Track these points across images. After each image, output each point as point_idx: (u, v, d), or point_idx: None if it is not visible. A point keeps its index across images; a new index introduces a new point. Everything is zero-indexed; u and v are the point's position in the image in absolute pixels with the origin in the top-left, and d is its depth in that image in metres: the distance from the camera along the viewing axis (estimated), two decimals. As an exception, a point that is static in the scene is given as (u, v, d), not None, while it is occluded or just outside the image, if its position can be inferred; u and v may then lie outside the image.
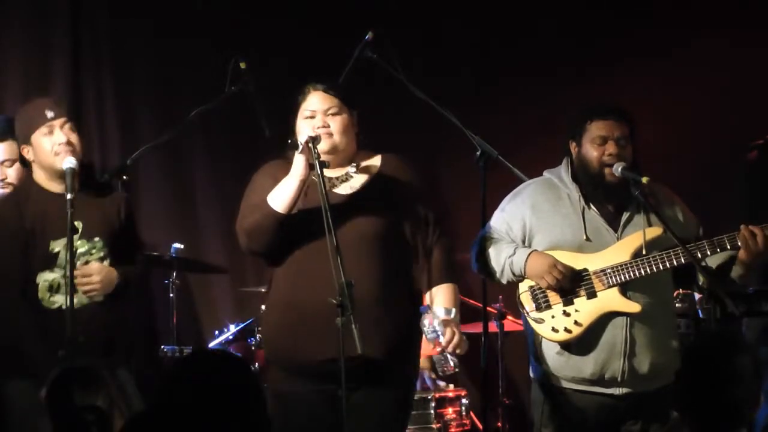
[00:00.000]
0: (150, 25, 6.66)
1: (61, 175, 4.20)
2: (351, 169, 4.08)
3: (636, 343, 4.05)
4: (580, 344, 4.07)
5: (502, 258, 4.13)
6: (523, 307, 4.15)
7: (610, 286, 4.06)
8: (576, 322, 4.06)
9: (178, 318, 6.05)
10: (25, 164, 4.37)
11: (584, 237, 4.10)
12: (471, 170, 4.30)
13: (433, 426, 5.88)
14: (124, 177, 4.39)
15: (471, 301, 5.57)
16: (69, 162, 4.17)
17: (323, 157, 3.90)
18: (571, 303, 4.08)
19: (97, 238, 4.27)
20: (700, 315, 5.67)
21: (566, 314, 4.07)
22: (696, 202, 4.35)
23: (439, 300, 4.04)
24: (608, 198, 4.14)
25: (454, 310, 4.03)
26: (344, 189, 4.04)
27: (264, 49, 6.51)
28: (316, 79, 4.09)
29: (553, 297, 4.10)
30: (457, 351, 3.98)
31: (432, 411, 5.90)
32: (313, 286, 3.87)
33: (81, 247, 4.22)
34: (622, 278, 4.05)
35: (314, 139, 3.90)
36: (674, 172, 5.37)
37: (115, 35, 6.63)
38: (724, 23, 6.79)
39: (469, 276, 4.20)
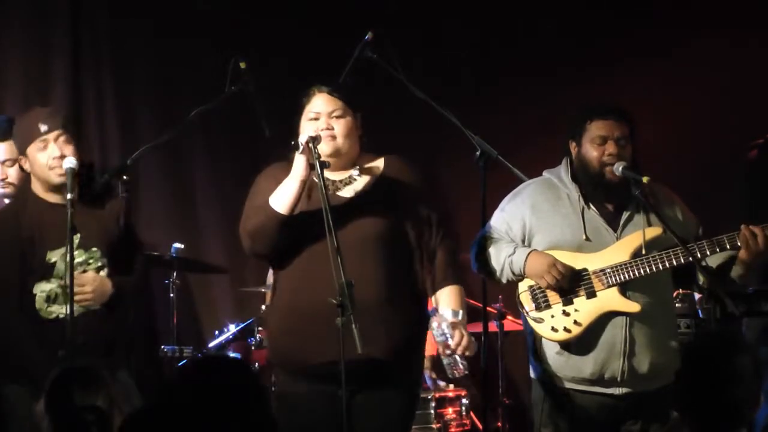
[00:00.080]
0: (150, 25, 6.67)
1: (56, 188, 4.24)
2: (354, 172, 4.06)
3: (636, 342, 4.05)
4: (580, 344, 4.07)
5: (501, 257, 4.13)
6: (523, 307, 4.15)
7: (609, 286, 4.06)
8: (575, 322, 4.06)
9: (178, 318, 6.05)
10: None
11: (584, 237, 4.10)
12: (471, 170, 4.29)
13: (433, 426, 5.88)
14: (124, 177, 4.38)
15: (471, 301, 5.51)
16: (69, 162, 4.18)
17: (324, 158, 3.88)
18: (571, 303, 4.07)
19: (95, 248, 4.29)
20: (700, 315, 5.67)
21: (566, 314, 4.07)
22: (696, 202, 4.35)
23: (446, 302, 4.03)
24: (608, 198, 4.14)
25: (461, 311, 4.02)
26: (347, 192, 4.02)
27: (264, 49, 6.52)
28: (321, 81, 4.07)
29: (553, 297, 4.09)
30: (467, 353, 3.97)
31: (432, 411, 5.90)
32: (315, 288, 3.85)
33: (79, 257, 4.22)
34: (622, 278, 4.05)
35: (314, 139, 3.88)
36: (674, 172, 5.38)
37: (115, 35, 6.64)
38: (724, 23, 6.79)
39: (469, 276, 4.19)
